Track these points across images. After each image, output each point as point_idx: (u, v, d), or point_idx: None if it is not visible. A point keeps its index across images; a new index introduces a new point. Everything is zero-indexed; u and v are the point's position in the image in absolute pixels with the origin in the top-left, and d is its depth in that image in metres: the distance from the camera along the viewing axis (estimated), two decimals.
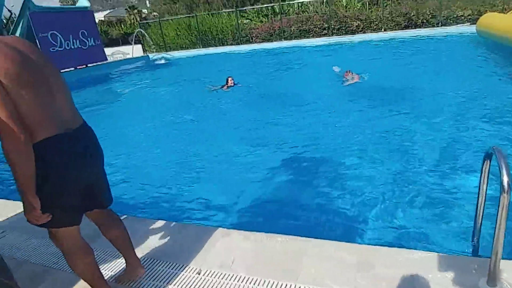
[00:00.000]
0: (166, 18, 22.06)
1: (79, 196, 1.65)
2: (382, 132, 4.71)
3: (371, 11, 16.72)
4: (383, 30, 15.42)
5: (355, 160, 4.02)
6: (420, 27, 14.86)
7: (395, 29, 15.21)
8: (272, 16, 19.53)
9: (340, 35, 16.10)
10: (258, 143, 4.93)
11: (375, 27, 15.92)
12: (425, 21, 15.07)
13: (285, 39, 17.06)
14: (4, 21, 13.37)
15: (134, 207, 3.57)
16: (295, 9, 19.41)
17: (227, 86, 8.60)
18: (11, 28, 13.18)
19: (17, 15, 13.20)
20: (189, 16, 20.38)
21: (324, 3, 18.18)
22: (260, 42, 17.63)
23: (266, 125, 5.74)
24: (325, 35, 16.47)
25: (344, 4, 18.45)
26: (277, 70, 11.12)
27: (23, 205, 1.45)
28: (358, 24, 16.15)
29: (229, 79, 8.67)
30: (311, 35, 16.85)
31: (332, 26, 16.38)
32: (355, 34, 15.81)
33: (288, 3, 20.41)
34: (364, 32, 15.86)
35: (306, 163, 4.21)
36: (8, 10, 13.22)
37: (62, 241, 1.68)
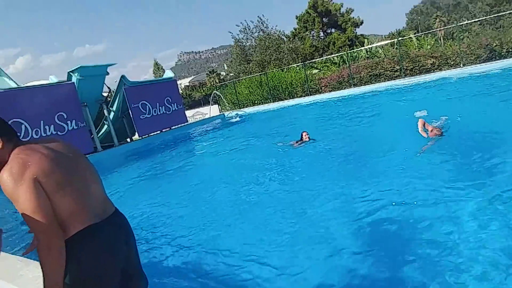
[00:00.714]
0: (239, 78, 23.73)
1: (118, 282, 1.68)
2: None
3: (446, 48, 15.88)
4: (461, 65, 14.41)
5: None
6: (505, 58, 13.56)
7: (475, 63, 14.10)
8: (341, 63, 19.77)
9: (413, 75, 15.45)
10: (337, 212, 4.30)
11: (452, 63, 14.98)
12: (511, 50, 13.75)
13: (355, 85, 16.93)
14: (105, 95, 15.72)
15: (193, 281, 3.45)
16: (364, 54, 19.43)
17: (302, 142, 8.16)
18: (110, 101, 15.47)
19: (115, 90, 15.53)
20: (260, 74, 21.65)
21: (394, 45, 17.88)
22: (329, 91, 17.75)
23: (343, 188, 5.02)
24: (397, 77, 15.97)
25: (416, 44, 17.91)
26: (350, 119, 10.80)
27: None
28: (433, 62, 15.38)
29: (304, 134, 8.22)
30: (382, 79, 16.48)
31: (405, 67, 15.85)
32: (430, 73, 15.02)
33: (357, 50, 20.57)
34: (440, 70, 14.99)
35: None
36: (107, 87, 15.61)
37: None
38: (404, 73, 15.80)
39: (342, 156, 6.87)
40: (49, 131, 11.43)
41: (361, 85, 16.80)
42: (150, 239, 4.66)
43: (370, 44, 21.67)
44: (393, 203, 4.13)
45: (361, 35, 33.59)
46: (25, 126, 10.72)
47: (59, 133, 11.70)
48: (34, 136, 10.87)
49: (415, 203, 4.06)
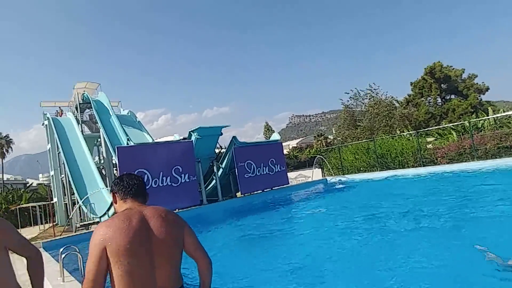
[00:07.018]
0: (345, 144, 23.35)
1: None
2: None
3: None
4: None
5: None
6: None
7: None
8: (461, 133, 17.84)
9: None
10: None
11: None
12: None
13: (479, 158, 14.92)
14: (216, 151, 17.14)
15: None
16: (491, 124, 17.23)
17: None
18: (221, 158, 16.79)
19: (226, 149, 16.88)
20: (367, 140, 20.96)
21: None
22: (446, 162, 15.98)
23: None
24: None
25: None
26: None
27: None
28: None
29: None
30: None
31: None
32: None
33: (482, 119, 18.41)
34: None
35: None
36: (220, 146, 17.07)
37: None
38: None
39: None
40: (165, 182, 12.87)
41: (486, 158, 14.72)
42: None
43: (497, 112, 19.18)
44: None
45: (487, 101, 30.17)
46: (147, 176, 12.31)
47: (173, 184, 13.07)
48: (153, 185, 12.35)
49: None
